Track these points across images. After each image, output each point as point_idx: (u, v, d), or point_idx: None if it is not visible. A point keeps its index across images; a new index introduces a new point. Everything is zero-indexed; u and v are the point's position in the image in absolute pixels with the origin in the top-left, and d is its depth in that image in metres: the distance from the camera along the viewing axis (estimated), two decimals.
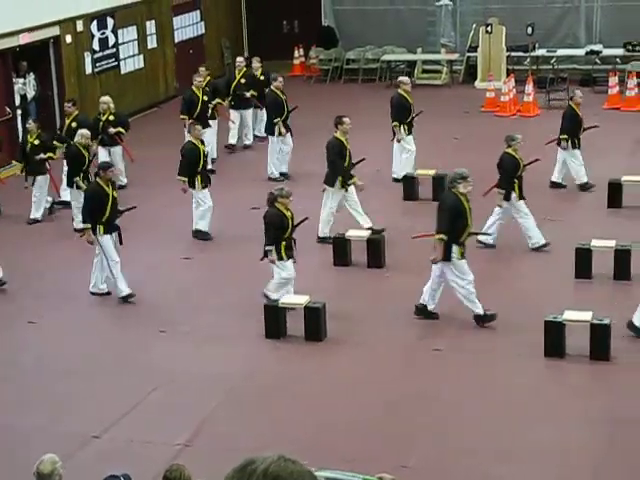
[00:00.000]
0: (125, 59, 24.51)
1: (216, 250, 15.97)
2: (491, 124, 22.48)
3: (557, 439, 10.46)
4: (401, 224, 16.10)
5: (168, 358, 12.53)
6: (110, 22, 23.81)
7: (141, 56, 25.06)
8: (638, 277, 14.14)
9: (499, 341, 12.66)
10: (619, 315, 12.58)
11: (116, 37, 24.08)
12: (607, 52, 26.03)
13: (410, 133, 18.32)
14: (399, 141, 18.27)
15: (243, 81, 20.96)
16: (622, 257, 14.21)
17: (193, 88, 19.86)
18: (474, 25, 26.58)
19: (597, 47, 26.19)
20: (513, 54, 26.05)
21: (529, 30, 25.50)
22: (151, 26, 25.36)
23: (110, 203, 14.02)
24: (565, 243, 14.91)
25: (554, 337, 12.07)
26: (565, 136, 17.57)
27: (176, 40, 26.63)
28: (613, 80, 23.75)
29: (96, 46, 23.34)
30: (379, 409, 11.15)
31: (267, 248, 13.21)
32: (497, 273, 14.68)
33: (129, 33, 24.59)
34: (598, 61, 26.14)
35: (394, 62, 27.54)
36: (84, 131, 16.73)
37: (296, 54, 28.41)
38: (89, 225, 13.98)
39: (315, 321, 12.77)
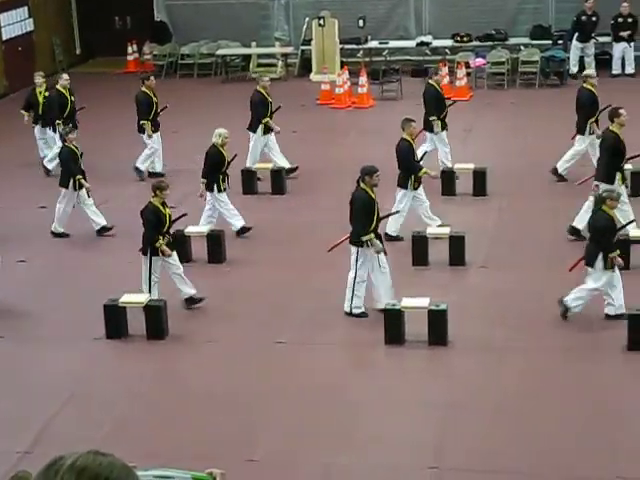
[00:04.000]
0: None
1: (58, 249, 15.70)
2: (327, 116, 22.73)
3: (397, 425, 10.67)
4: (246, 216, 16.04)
5: (6, 363, 12.23)
6: None
7: None
8: (472, 262, 14.54)
9: (338, 331, 12.81)
10: (456, 300, 12.93)
11: None
12: (437, 43, 26.65)
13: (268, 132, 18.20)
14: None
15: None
16: (457, 244, 14.58)
17: (60, 88, 19.24)
18: (307, 18, 26.79)
19: (427, 38, 26.79)
20: (346, 47, 26.39)
21: (361, 23, 25.90)
22: None
23: None
24: (401, 232, 15.20)
25: (395, 325, 12.30)
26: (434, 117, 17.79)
27: (4, 38, 25.92)
28: (444, 70, 24.29)
29: None
30: (226, 405, 11.14)
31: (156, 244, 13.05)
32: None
33: None
34: (428, 52, 26.75)
35: (229, 56, 27.53)
36: None
37: (130, 50, 28.03)
38: None
39: (156, 319, 12.66)
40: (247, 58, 27.50)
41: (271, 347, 12.42)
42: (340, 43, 26.01)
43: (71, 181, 15.90)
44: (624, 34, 24.96)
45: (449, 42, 26.50)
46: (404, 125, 15.55)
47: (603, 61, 25.50)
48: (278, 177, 18.02)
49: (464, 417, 10.78)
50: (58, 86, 19.35)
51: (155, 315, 12.68)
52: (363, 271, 12.98)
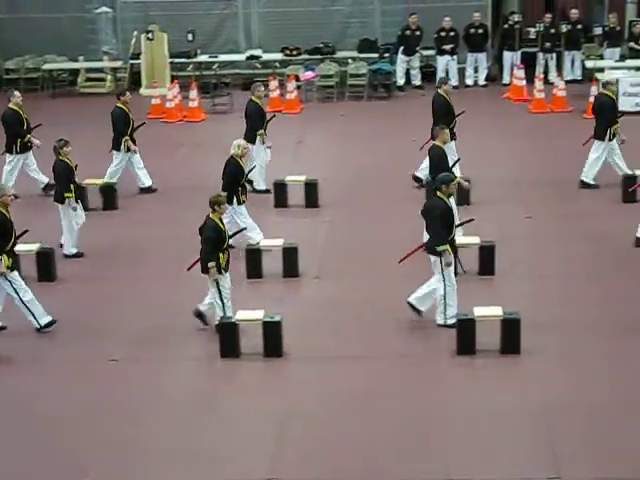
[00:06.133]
0: None
1: None
2: (158, 130, 22.56)
3: (232, 438, 10.65)
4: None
5: None
6: None
7: None
8: (305, 273, 14.69)
9: (172, 347, 12.74)
10: (291, 311, 13.04)
11: None
12: (267, 57, 26.83)
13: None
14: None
15: None
16: (290, 255, 14.70)
17: (13, 107, 18.10)
18: (135, 32, 26.57)
19: (257, 52, 26.94)
20: (176, 60, 26.29)
21: (190, 37, 25.90)
22: None
23: None
24: (236, 244, 15.22)
25: (229, 338, 12.31)
26: None
27: None
28: (273, 84, 24.50)
29: None
30: (57, 424, 10.93)
31: None
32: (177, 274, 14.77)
33: None
34: (258, 65, 26.92)
35: (56, 71, 27.05)
36: None
37: None
38: None
39: None
40: (75, 72, 27.07)
41: (104, 365, 12.26)
42: (170, 57, 25.90)
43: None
44: (447, 47, 25.68)
45: (279, 55, 26.72)
46: (436, 132, 15.37)
47: (428, 74, 26.18)
48: (110, 193, 17.80)
49: (301, 427, 10.86)
50: (11, 104, 18.13)
51: None
52: (452, 276, 12.69)
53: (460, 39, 25.82)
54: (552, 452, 10.15)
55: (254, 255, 14.71)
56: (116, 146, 18.24)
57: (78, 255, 15.57)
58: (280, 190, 17.61)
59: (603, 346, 12.37)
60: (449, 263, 12.61)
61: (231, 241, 15.01)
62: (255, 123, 17.93)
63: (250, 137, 17.56)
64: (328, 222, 16.85)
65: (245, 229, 14.72)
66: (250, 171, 16.25)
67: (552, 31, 25.73)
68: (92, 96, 25.77)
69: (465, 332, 12.16)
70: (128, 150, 18.15)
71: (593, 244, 15.47)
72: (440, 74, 25.78)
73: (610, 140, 17.57)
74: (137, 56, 26.23)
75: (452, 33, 25.76)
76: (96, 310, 13.78)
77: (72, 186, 15.32)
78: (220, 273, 12.64)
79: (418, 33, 25.73)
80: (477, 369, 12.00)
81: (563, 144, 20.39)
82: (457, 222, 13.37)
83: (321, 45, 26.60)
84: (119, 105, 18.43)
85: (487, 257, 14.43)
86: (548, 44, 25.60)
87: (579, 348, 12.34)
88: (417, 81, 26.08)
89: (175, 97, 23.84)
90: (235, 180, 15.17)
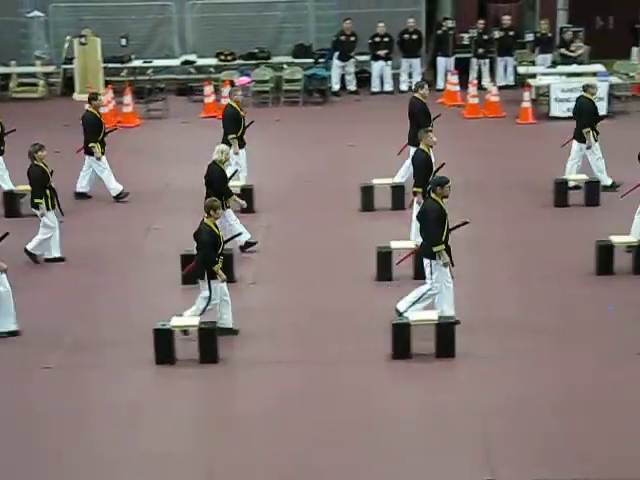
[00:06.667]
0: None
1: None
2: None
3: (165, 445, 10.60)
4: None
5: None
6: None
7: None
8: (242, 279, 14.67)
9: (109, 353, 12.65)
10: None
11: None
12: (201, 62, 26.74)
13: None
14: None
15: None
16: (226, 261, 14.61)
17: None
18: (68, 37, 26.31)
19: (191, 57, 26.83)
20: (110, 65, 26.07)
21: (123, 42, 25.73)
22: None
23: None
24: (171, 250, 15.14)
25: (164, 345, 12.24)
26: None
27: None
28: (209, 89, 24.43)
29: None
30: None
31: None
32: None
33: None
34: (193, 71, 26.81)
35: None
36: None
37: None
38: None
39: None
40: (7, 77, 26.75)
41: (36, 371, 12.15)
42: (103, 62, 25.69)
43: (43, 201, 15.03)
44: (381, 53, 25.82)
45: (213, 61, 26.64)
46: (421, 135, 15.34)
47: (363, 79, 26.29)
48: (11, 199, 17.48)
49: (237, 433, 10.83)
50: None
51: None
52: (439, 284, 12.69)
53: (394, 45, 25.97)
54: (487, 454, 10.25)
55: (190, 261, 14.61)
56: (89, 151, 18.02)
57: (58, 260, 15.45)
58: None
59: (537, 348, 12.51)
60: (446, 264, 12.62)
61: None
62: (231, 128, 17.68)
63: (224, 141, 17.27)
64: (264, 227, 16.83)
65: (240, 234, 14.66)
66: (232, 176, 16.11)
67: (485, 37, 25.97)
68: (25, 101, 25.48)
69: (400, 336, 12.22)
70: (91, 154, 17.89)
71: (524, 248, 15.64)
72: (375, 79, 25.96)
73: (596, 140, 17.77)
74: (70, 61, 25.99)
75: (386, 39, 25.89)
76: (41, 317, 13.62)
77: (47, 192, 15.18)
78: (215, 279, 12.56)
79: (353, 39, 25.83)
80: (412, 373, 12.08)
81: (496, 149, 20.60)
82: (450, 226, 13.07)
83: (256, 50, 26.56)
84: (90, 109, 18.23)
85: (421, 261, 14.48)
86: (481, 50, 25.84)
87: (513, 351, 12.48)
88: (352, 86, 26.16)
89: (109, 102, 23.65)
90: (220, 186, 15.02)
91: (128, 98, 23.65)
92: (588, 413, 10.98)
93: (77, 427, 11.02)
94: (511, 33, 26.12)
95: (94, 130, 17.95)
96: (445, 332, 12.22)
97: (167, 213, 17.44)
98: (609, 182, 17.91)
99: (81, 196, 18.30)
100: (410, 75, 26.23)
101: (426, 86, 18.47)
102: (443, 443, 10.51)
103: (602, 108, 22.70)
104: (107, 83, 25.17)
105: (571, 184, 17.71)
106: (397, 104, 21.55)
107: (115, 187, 18.09)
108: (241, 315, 13.55)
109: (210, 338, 12.24)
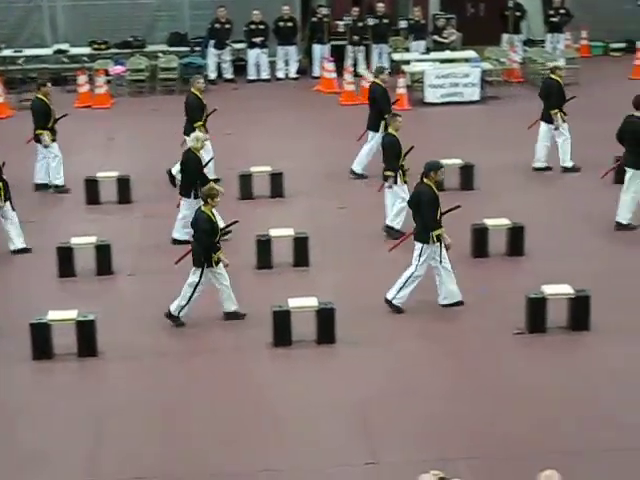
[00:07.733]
0: None
1: None
2: None
3: (46, 440, 10.46)
4: None
5: None
6: None
7: None
8: (119, 271, 14.52)
9: None
10: (106, 310, 12.89)
11: None
12: (74, 51, 26.30)
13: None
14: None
15: None
16: (103, 252, 14.48)
17: None
18: None
19: (64, 46, 26.37)
20: None
21: None
22: None
23: None
24: (48, 243, 14.89)
25: (41, 338, 12.03)
26: None
27: None
28: (82, 79, 24.06)
29: None
30: None
31: None
32: None
33: None
34: (66, 60, 26.35)
35: None
36: None
37: None
38: None
39: None
40: None
41: None
42: None
43: None
44: (257, 40, 25.79)
45: (87, 50, 26.24)
46: (390, 120, 15.11)
47: (240, 67, 26.24)
48: None
49: (119, 426, 10.74)
50: None
51: None
52: (423, 268, 12.73)
53: (270, 32, 25.97)
54: (369, 439, 10.36)
55: (65, 253, 14.41)
56: (38, 140, 17.51)
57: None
58: (92, 187, 17.31)
59: (418, 332, 12.67)
60: (449, 245, 12.75)
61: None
62: (195, 116, 17.50)
63: (189, 130, 17.08)
64: (140, 218, 16.66)
65: (237, 221, 14.42)
66: (207, 164, 15.81)
67: (360, 25, 26.19)
68: None
69: (280, 323, 12.25)
70: (39, 141, 17.39)
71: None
72: (251, 67, 25.91)
73: (564, 121, 17.92)
74: None
75: (262, 26, 25.89)
76: None
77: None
78: (211, 266, 12.49)
79: (228, 26, 25.76)
80: (293, 360, 12.12)
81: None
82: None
83: (130, 39, 26.27)
84: (39, 96, 17.67)
85: (301, 248, 14.57)
86: (356, 37, 26.05)
87: (393, 335, 12.61)
88: (229, 74, 26.10)
89: None
90: (195, 173, 14.80)
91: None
92: (472, 396, 11.15)
93: None
94: (385, 20, 26.40)
95: (42, 117, 17.44)
96: (325, 318, 12.28)
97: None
98: (570, 164, 18.20)
99: (41, 187, 17.81)
100: (287, 62, 26.28)
101: (386, 71, 18.85)
102: (325, 429, 10.57)
103: (474, 94, 23.23)
104: None
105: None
106: (274, 92, 21.58)
107: (61, 182, 17.68)
108: (119, 307, 13.44)
109: (89, 330, 12.07)
